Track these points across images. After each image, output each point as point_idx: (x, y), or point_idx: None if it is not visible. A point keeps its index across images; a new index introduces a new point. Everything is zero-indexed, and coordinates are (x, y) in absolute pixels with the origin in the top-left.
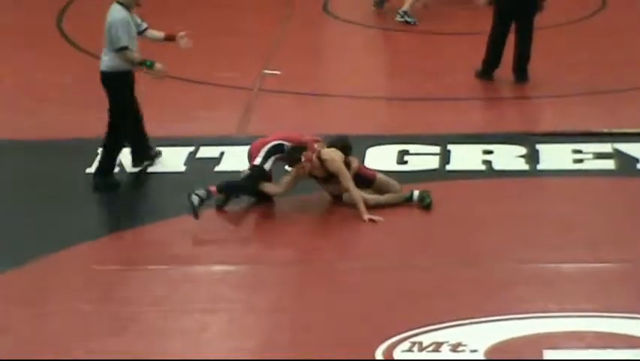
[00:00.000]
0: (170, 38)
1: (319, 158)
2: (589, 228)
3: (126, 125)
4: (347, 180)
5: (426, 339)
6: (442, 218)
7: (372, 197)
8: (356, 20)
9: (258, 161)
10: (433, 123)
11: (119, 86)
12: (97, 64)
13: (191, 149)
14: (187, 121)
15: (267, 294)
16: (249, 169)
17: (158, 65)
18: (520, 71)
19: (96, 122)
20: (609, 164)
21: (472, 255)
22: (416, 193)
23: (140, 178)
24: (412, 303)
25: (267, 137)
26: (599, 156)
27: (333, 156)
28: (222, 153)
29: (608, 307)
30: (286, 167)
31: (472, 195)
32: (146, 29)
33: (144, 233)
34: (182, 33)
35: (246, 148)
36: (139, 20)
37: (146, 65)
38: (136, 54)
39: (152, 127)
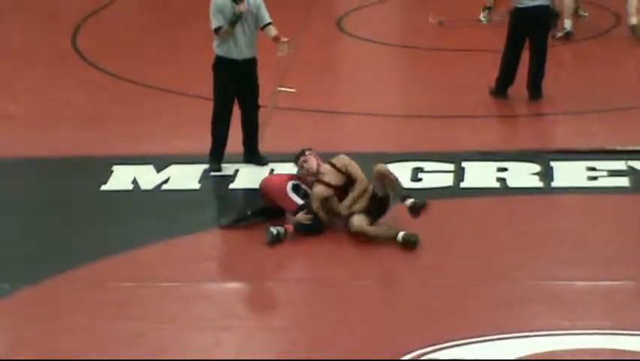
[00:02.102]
0: (276, 39)
1: (333, 166)
2: (603, 245)
3: (215, 112)
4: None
5: (440, 357)
6: (456, 235)
7: (359, 223)
8: (370, 37)
9: (299, 201)
10: (447, 140)
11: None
12: (111, 81)
13: (206, 166)
14: (202, 138)
15: (281, 311)
16: (301, 212)
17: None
18: (535, 89)
19: (110, 139)
20: (623, 181)
21: (485, 272)
22: (401, 235)
23: (155, 195)
24: (426, 321)
25: (268, 180)
26: (614, 173)
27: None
28: (237, 171)
29: (621, 325)
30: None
31: (487, 213)
32: (267, 25)
33: (158, 250)
34: (285, 39)
35: (261, 166)
36: (261, 15)
37: (233, 20)
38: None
39: (166, 144)
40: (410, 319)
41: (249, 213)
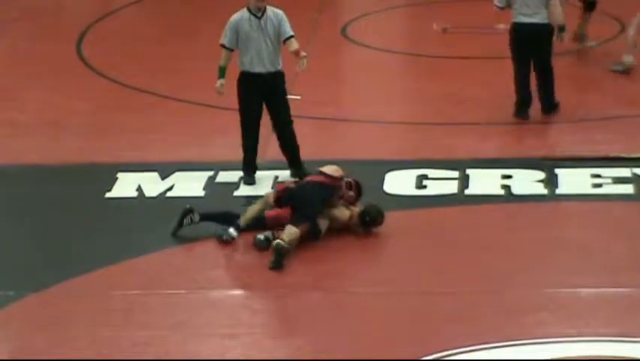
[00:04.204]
0: (296, 53)
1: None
2: (608, 252)
3: (242, 125)
4: None
5: None
6: (461, 243)
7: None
8: (375, 45)
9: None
10: (451, 148)
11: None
12: (116, 89)
13: (211, 173)
14: (207, 146)
15: (287, 319)
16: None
17: (218, 83)
18: (546, 104)
19: (115, 147)
20: (628, 188)
21: (490, 280)
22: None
23: (160, 203)
24: (431, 329)
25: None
26: (618, 180)
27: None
28: (242, 178)
29: (627, 332)
30: None
31: (491, 220)
32: (288, 38)
33: (164, 258)
34: (304, 53)
35: (266, 173)
36: (283, 29)
37: (221, 71)
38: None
39: (170, 151)
40: (415, 326)
41: (187, 206)
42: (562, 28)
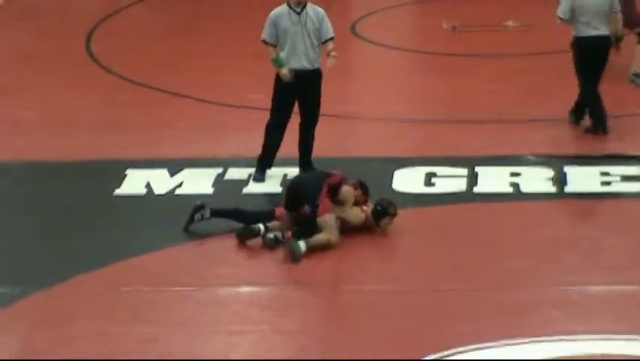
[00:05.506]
0: (328, 53)
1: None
2: (616, 250)
3: (270, 120)
4: None
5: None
6: (469, 240)
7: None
8: (383, 42)
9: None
10: (460, 146)
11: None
12: (125, 85)
13: (220, 170)
14: (216, 143)
15: (294, 316)
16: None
17: (282, 73)
18: (579, 112)
19: (124, 144)
20: (637, 186)
21: (498, 277)
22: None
23: (168, 200)
24: (439, 326)
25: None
26: (627, 178)
27: None
28: (250, 175)
29: (635, 330)
30: None
31: (500, 218)
32: (328, 40)
33: (172, 255)
34: (334, 53)
35: (275, 170)
36: (325, 30)
37: (276, 62)
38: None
39: (179, 148)
40: (423, 324)
41: (199, 202)
42: (620, 39)
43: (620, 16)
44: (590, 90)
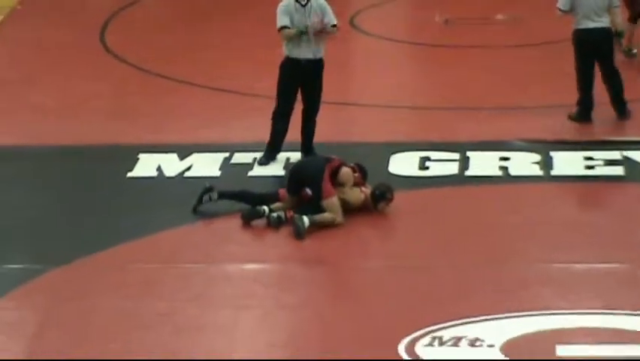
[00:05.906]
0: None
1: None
2: (599, 230)
3: (276, 108)
4: None
5: (446, 334)
6: (461, 221)
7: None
8: (381, 34)
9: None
10: (453, 131)
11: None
12: (138, 74)
13: (226, 154)
14: (223, 128)
15: (297, 291)
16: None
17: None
18: (621, 107)
19: (136, 129)
20: (618, 170)
21: (489, 256)
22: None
23: (178, 182)
24: (433, 301)
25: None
26: (609, 162)
27: None
28: (255, 159)
29: (616, 305)
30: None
31: (490, 199)
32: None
33: (181, 234)
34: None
35: (278, 155)
36: (327, 19)
37: (300, 32)
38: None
39: (188, 134)
40: (417, 299)
41: (207, 185)
42: (621, 34)
43: (619, 10)
44: (584, 81)
